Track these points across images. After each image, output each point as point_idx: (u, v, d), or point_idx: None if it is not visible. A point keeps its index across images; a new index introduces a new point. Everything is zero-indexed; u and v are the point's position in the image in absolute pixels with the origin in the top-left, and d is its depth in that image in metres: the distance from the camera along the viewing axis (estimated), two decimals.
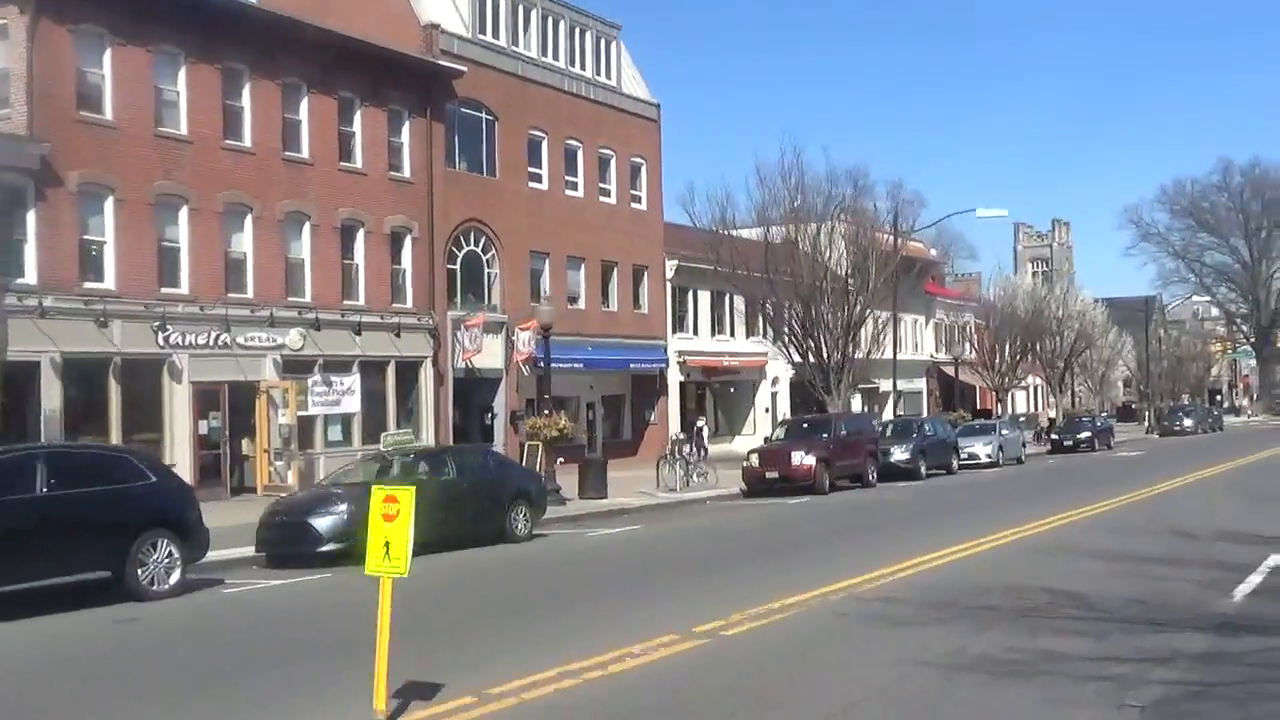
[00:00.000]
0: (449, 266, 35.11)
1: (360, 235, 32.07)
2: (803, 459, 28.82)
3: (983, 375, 56.13)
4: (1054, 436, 52.22)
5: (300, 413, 29.85)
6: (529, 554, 18.25)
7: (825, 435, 30.44)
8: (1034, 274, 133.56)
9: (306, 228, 30.51)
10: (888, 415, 63.61)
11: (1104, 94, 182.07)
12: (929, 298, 69.06)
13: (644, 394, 44.56)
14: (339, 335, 30.97)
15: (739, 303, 45.46)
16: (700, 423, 46.95)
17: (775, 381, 52.73)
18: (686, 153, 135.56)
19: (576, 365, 39.26)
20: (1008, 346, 54.95)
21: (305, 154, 30.55)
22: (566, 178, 40.29)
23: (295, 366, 29.87)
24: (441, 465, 19.09)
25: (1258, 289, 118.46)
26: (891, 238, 40.42)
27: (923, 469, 34.37)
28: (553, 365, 38.46)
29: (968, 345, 57.84)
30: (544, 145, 39.16)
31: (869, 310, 37.47)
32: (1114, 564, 13.75)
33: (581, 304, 40.89)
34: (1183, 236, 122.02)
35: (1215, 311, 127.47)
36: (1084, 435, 51.29)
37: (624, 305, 42.84)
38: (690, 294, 46.19)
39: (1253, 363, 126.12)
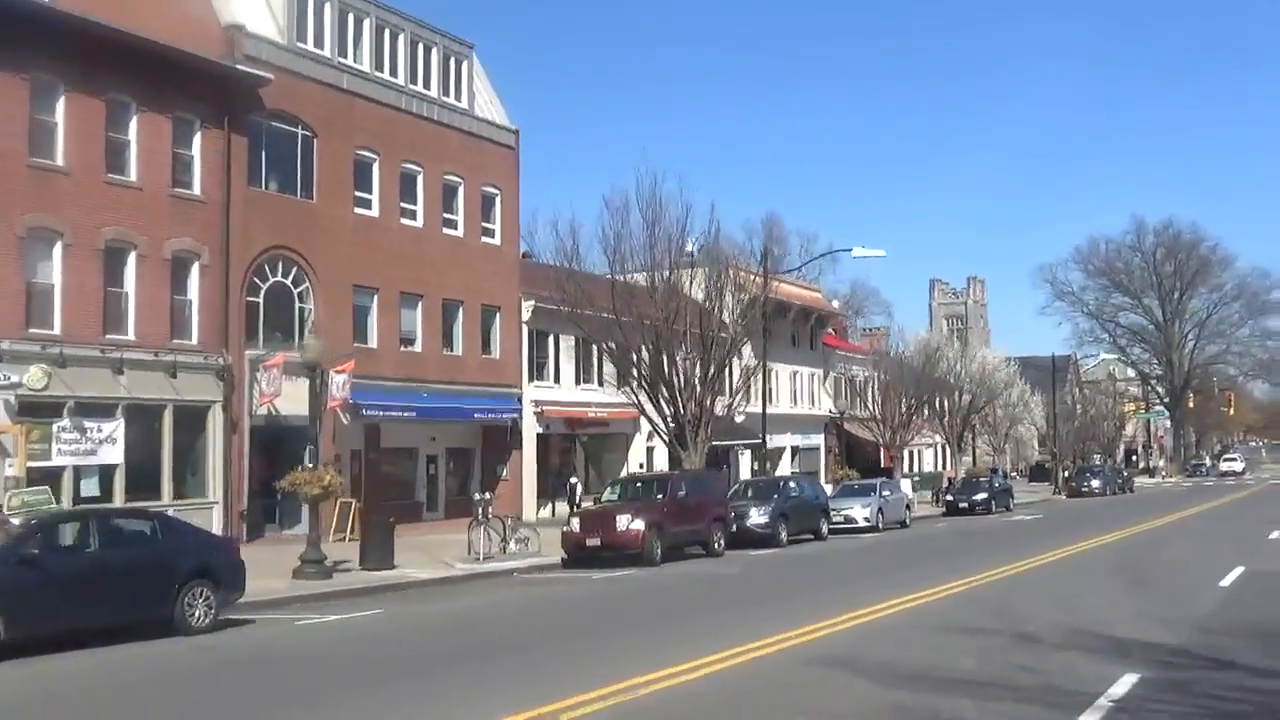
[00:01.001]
0: (249, 299, 30.75)
1: (131, 259, 27.67)
2: (629, 524, 24.78)
3: (873, 430, 52.52)
4: (948, 498, 48.69)
5: (42, 463, 25.26)
6: (192, 654, 13.91)
7: (661, 496, 26.43)
8: (951, 331, 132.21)
9: (58, 248, 26.06)
10: (784, 471, 60.29)
11: (1025, 152, 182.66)
12: (828, 350, 65.82)
13: (497, 447, 40.29)
14: (96, 374, 26.44)
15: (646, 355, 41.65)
16: (574, 479, 42.86)
17: (651, 435, 48.68)
18: (554, 187, 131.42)
19: (408, 414, 35.01)
20: (900, 401, 51.44)
21: (59, 161, 26.18)
22: (403, 205, 36.21)
23: (36, 409, 25.29)
24: (82, 534, 14.69)
25: (1171, 350, 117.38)
26: (758, 279, 36.71)
27: (783, 535, 30.47)
28: (383, 414, 34.58)
29: (857, 400, 54.26)
30: (375, 168, 35.08)
31: (729, 357, 33.66)
32: (894, 691, 9.80)
33: (418, 346, 36.66)
34: (1097, 296, 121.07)
35: (1131, 372, 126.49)
36: (980, 497, 47.87)
37: (471, 349, 38.68)
38: (551, 339, 42.09)
39: (1167, 423, 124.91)
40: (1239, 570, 20.13)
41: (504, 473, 40.27)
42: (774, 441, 58.97)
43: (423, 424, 36.34)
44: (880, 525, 36.66)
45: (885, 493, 38.20)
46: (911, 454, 79.29)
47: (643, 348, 32.33)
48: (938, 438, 63.62)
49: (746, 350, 57.41)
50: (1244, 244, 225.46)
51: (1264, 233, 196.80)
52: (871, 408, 52.11)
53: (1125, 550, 25.64)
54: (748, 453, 56.13)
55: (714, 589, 20.69)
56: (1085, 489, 67.15)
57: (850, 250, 36.39)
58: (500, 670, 11.76)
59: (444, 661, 12.61)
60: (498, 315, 39.76)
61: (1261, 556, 23.53)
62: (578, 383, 43.68)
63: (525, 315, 40.57)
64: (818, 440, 63.66)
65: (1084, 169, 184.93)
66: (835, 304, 74.53)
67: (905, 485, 63.22)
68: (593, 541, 24.80)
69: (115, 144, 27.42)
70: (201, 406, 29.08)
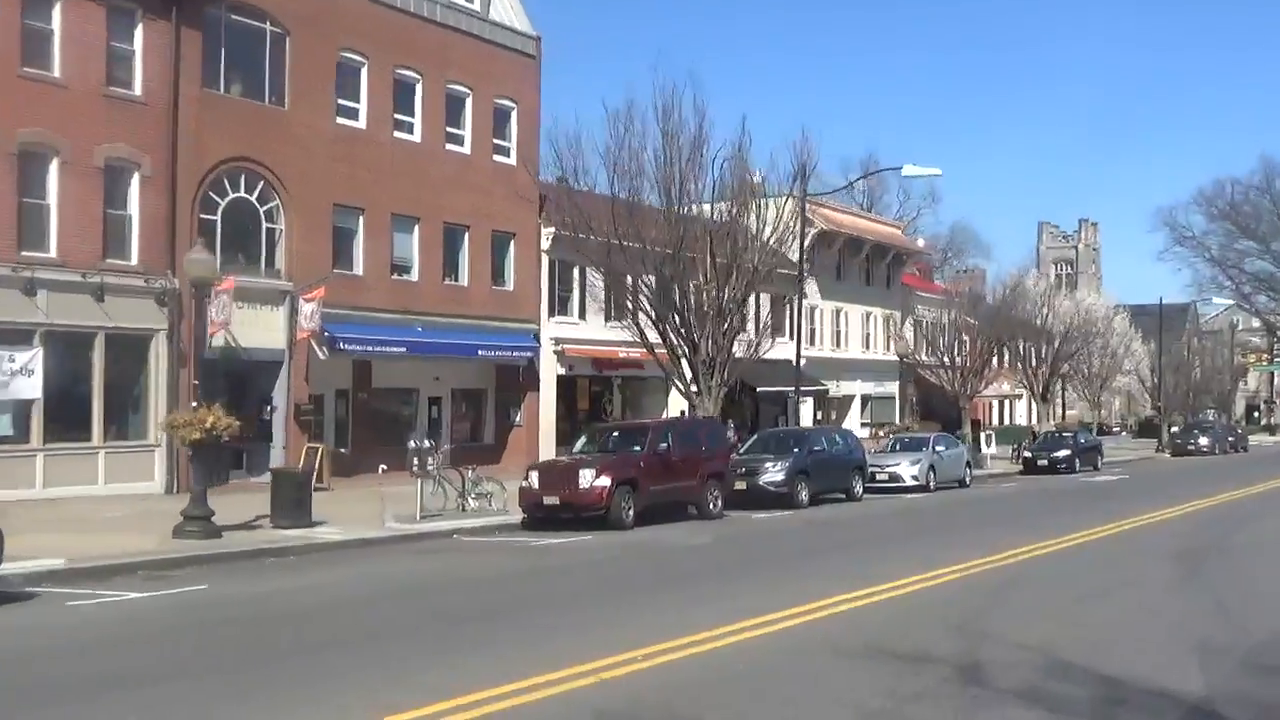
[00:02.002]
0: (204, 216, 27.38)
1: (53, 167, 24.44)
2: (593, 480, 20.87)
3: (941, 378, 47.55)
4: (1026, 454, 43.74)
5: None
6: None
7: (638, 448, 22.43)
8: (1056, 276, 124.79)
9: None
10: (853, 423, 55.63)
11: (1141, 90, 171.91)
12: (908, 291, 60.62)
13: (511, 389, 36.67)
14: (6, 296, 23.34)
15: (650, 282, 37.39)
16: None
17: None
18: (588, 103, 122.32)
19: (397, 350, 31.51)
20: (968, 344, 46.29)
21: None
22: (398, 117, 32.45)
23: None
24: None
25: None
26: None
27: (803, 495, 26.26)
28: (367, 350, 31.14)
29: (926, 345, 49.23)
30: (363, 73, 31.35)
31: (751, 290, 29.24)
32: None
33: (414, 275, 33.06)
34: (1221, 241, 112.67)
35: (1256, 322, 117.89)
36: (1061, 454, 42.84)
37: (478, 280, 34.95)
38: (576, 271, 37.98)
39: None
40: None
41: (518, 417, 36.66)
42: (842, 389, 54.56)
43: (420, 361, 32.82)
44: (932, 485, 32.11)
45: (939, 448, 33.56)
46: (1002, 405, 73.93)
47: (644, 276, 28.12)
48: (1021, 389, 58.14)
49: (811, 288, 53.34)
50: None
51: None
52: (939, 354, 47.02)
53: (1201, 526, 20.92)
54: (809, 401, 51.70)
55: (658, 565, 16.73)
56: (1192, 447, 61.27)
57: (900, 169, 31.57)
58: (229, 694, 8.04)
59: (170, 677, 8.93)
60: (511, 243, 35.92)
61: None
62: (607, 320, 39.60)
63: (545, 244, 36.66)
64: (892, 388, 58.81)
65: (1209, 104, 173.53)
66: (920, 242, 69.16)
67: (981, 439, 58.67)
68: (551, 500, 20.98)
69: (33, 33, 24.11)
70: (141, 335, 25.90)
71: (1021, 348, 52.22)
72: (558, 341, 37.33)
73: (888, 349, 57.75)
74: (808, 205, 51.29)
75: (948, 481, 33.71)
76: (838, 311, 54.13)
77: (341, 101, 30.79)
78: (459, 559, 17.31)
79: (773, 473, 26.03)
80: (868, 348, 56.51)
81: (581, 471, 20.95)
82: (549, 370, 37.28)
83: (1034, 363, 52.08)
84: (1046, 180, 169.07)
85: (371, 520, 21.15)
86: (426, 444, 21.84)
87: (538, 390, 36.77)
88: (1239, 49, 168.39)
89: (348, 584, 14.83)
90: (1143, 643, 9.93)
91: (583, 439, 24.55)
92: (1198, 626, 10.67)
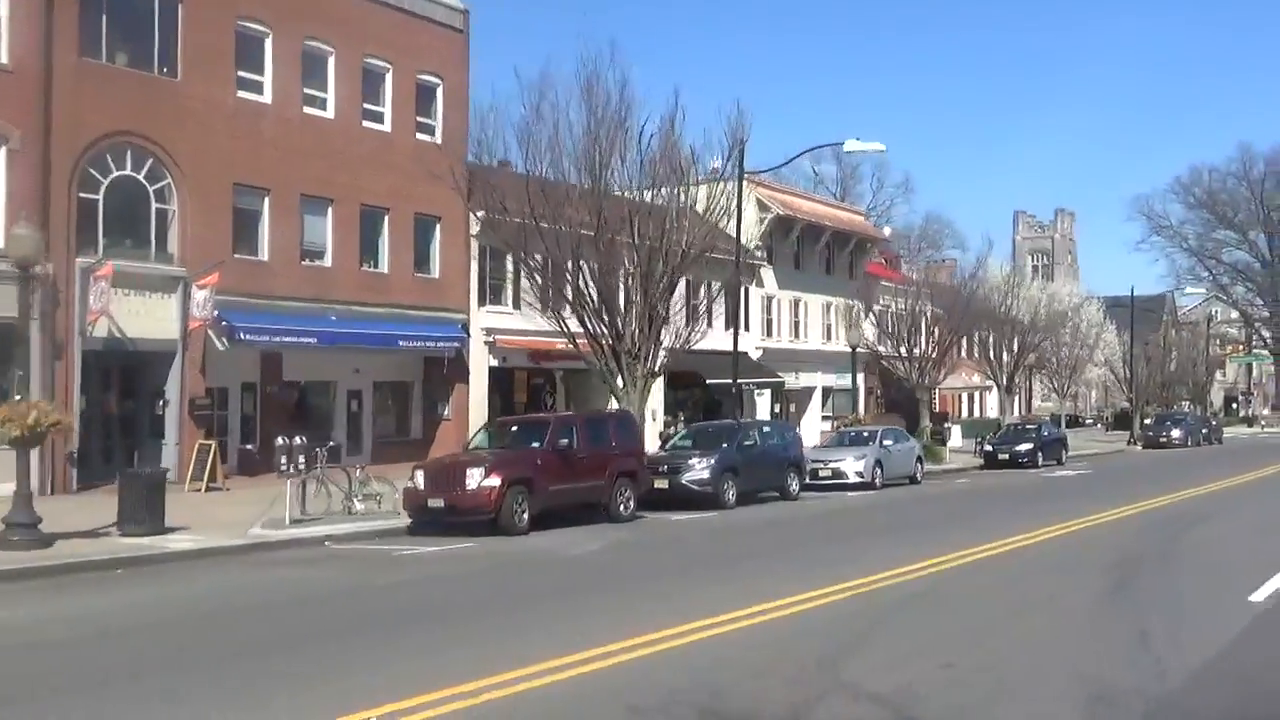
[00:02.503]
0: (84, 195, 25.30)
1: None
2: (481, 480, 18.90)
3: (898, 368, 45.65)
4: (987, 448, 41.95)
5: None
6: None
7: (538, 444, 20.47)
8: (1033, 266, 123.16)
9: None
10: (813, 416, 53.78)
11: (1120, 78, 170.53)
12: (872, 280, 58.67)
13: (439, 381, 34.67)
14: None
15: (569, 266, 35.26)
16: None
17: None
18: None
19: (307, 340, 29.47)
20: (924, 334, 44.38)
21: None
22: (308, 91, 30.37)
23: None
24: None
25: (1278, 290, 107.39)
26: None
27: (729, 494, 24.38)
28: (270, 340, 29.10)
29: (883, 333, 47.24)
30: (267, 44, 29.26)
31: (678, 275, 27.22)
32: None
33: (327, 260, 31.02)
34: (1198, 231, 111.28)
35: (1234, 313, 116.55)
36: (1023, 448, 41.03)
37: (400, 266, 32.92)
38: (510, 258, 35.82)
39: (1271, 368, 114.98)
40: None
41: (446, 411, 34.67)
42: (802, 381, 52.69)
43: (336, 352, 30.79)
44: (878, 481, 30.23)
45: (887, 443, 31.65)
46: (971, 398, 72.22)
47: (564, 260, 26.12)
48: (983, 379, 56.31)
49: (769, 277, 51.42)
50: None
51: None
52: (896, 344, 45.09)
53: (1148, 528, 19.06)
54: (766, 394, 49.84)
55: (521, 580, 14.74)
56: (1164, 439, 59.73)
57: (843, 144, 29.55)
58: None
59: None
60: (437, 227, 33.88)
61: None
62: (545, 309, 37.63)
63: (474, 228, 34.61)
64: (856, 380, 56.82)
65: (1187, 91, 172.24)
66: (887, 231, 67.31)
67: (955, 432, 56.79)
68: (435, 502, 19.02)
69: None
70: (3, 325, 23.77)
71: (985, 337, 50.34)
72: (489, 332, 35.31)
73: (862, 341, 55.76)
74: (760, 190, 49.90)
75: (897, 478, 31.88)
76: (796, 301, 52.26)
77: (243, 74, 28.70)
78: (304, 572, 15.32)
79: (697, 470, 24.11)
80: (829, 339, 54.61)
81: (469, 470, 18.98)
82: (480, 362, 35.28)
83: (998, 353, 50.09)
84: (1023, 170, 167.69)
85: (237, 526, 19.15)
86: (299, 441, 19.80)
87: (467, 383, 34.77)
88: (1218, 36, 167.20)
89: (149, 606, 12.84)
90: (1030, 690, 8.05)
91: (480, 434, 22.56)
92: (1107, 665, 8.79)
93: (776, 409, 51.51)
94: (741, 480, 24.86)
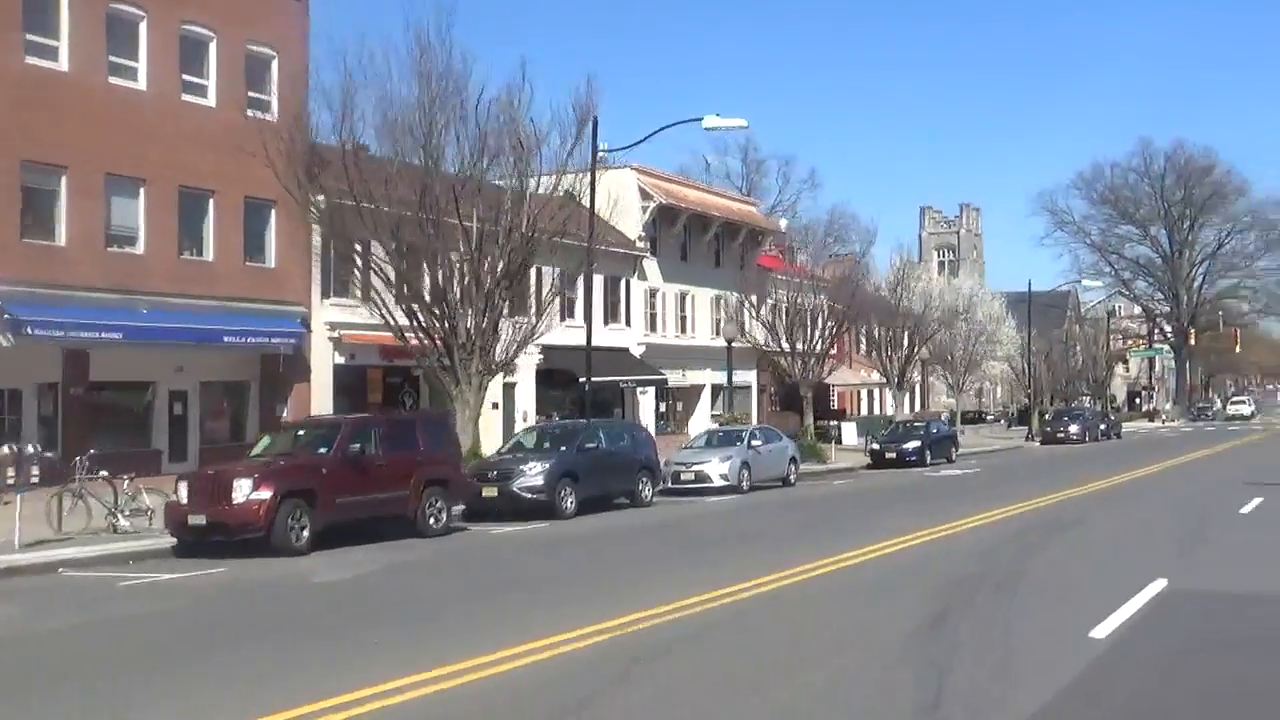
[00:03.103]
0: None
1: None
2: (250, 493, 16.31)
3: (780, 365, 43.68)
4: (873, 447, 40.15)
5: None
6: None
7: (326, 450, 17.89)
8: (939, 262, 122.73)
9: None
10: (702, 415, 51.69)
11: (1023, 70, 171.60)
12: (764, 273, 56.73)
13: (277, 381, 31.85)
14: None
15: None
16: None
17: (513, 369, 40.14)
18: None
19: (111, 335, 26.53)
20: (807, 328, 42.44)
21: None
22: (114, 59, 27.44)
23: None
24: None
25: (1178, 284, 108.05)
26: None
27: (568, 502, 22.03)
28: (68, 335, 26.10)
29: (764, 327, 45.25)
30: (62, 7, 26.27)
31: (522, 263, 24.80)
32: None
33: (138, 247, 28.10)
34: (1101, 226, 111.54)
35: (1138, 309, 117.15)
36: (910, 446, 39.28)
37: (228, 254, 30.08)
38: (359, 247, 33.06)
39: (1173, 363, 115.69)
40: (1154, 589, 11.71)
41: (284, 413, 31.83)
42: (689, 379, 50.52)
43: (153, 349, 27.91)
44: (745, 485, 28.09)
45: (756, 443, 29.50)
46: (870, 395, 70.76)
47: (387, 243, 23.63)
48: (876, 374, 54.67)
49: (653, 269, 49.19)
50: (1261, 170, 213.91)
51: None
52: (778, 338, 43.13)
53: (1006, 538, 17.03)
54: (650, 393, 47.61)
55: (233, 620, 12.18)
56: (1061, 435, 58.72)
57: (701, 120, 27.27)
58: None
59: None
60: (272, 213, 31.04)
61: (1209, 553, 15.05)
62: (400, 303, 35.00)
63: (314, 213, 31.79)
64: (748, 378, 54.83)
65: (1090, 86, 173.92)
66: (783, 224, 65.45)
67: (849, 429, 55.06)
68: (197, 519, 16.39)
69: None
70: None
71: (875, 331, 48.61)
72: (334, 326, 32.55)
73: (741, 335, 53.80)
74: (643, 177, 47.67)
75: (768, 480, 29.81)
76: (683, 295, 50.13)
77: (33, 38, 25.70)
78: None
79: (529, 476, 21.70)
80: (718, 334, 52.45)
81: (236, 482, 16.38)
82: (323, 359, 32.53)
83: (887, 347, 48.27)
84: (930, 165, 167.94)
85: None
86: (31, 449, 17.06)
87: (308, 382, 32.01)
88: (1118, 28, 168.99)
89: None
90: None
91: (264, 440, 19.86)
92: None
93: (662, 409, 49.37)
94: (584, 486, 22.52)
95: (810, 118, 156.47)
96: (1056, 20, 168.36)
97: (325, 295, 32.55)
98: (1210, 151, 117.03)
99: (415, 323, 24.34)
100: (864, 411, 68.31)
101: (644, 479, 24.58)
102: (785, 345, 42.32)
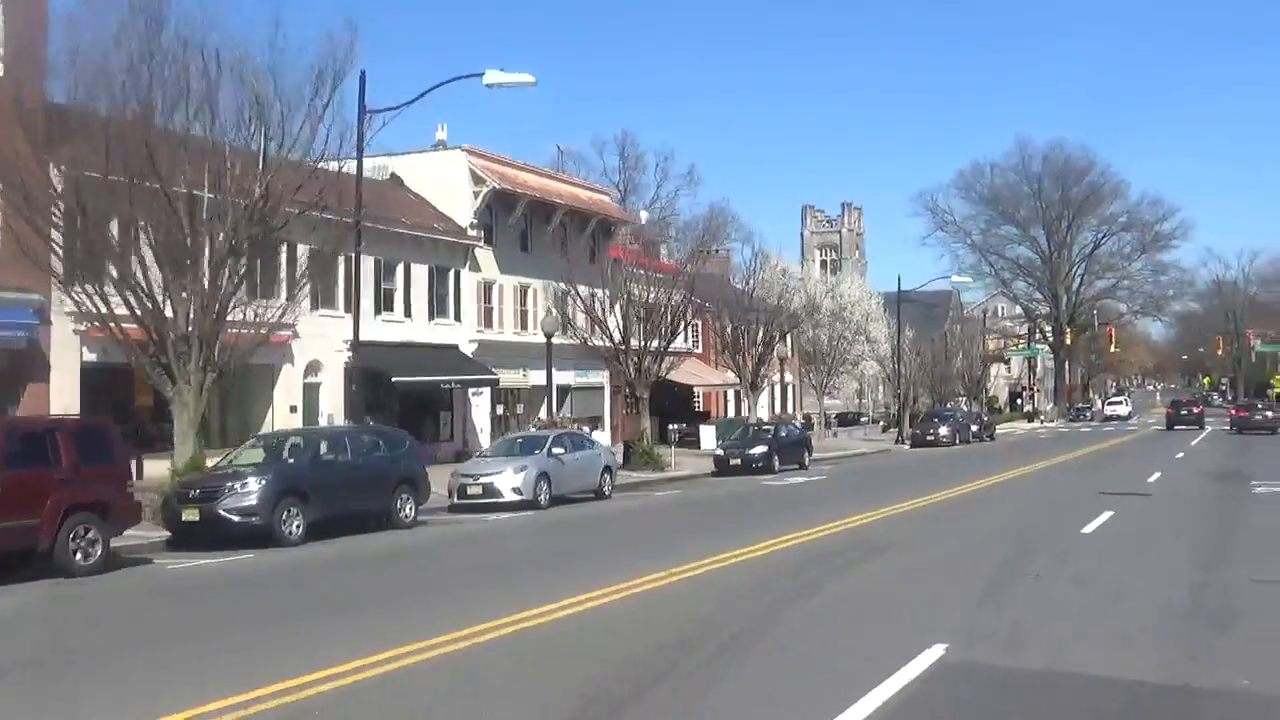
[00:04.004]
0: None
1: None
2: None
3: (613, 363, 40.16)
4: (718, 453, 36.83)
5: None
6: None
7: None
8: (821, 261, 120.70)
9: None
10: (540, 419, 47.93)
11: (906, 70, 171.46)
12: (618, 267, 53.04)
13: (8, 380, 27.26)
14: None
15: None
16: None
17: (317, 368, 35.99)
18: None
19: None
20: (646, 323, 38.94)
21: None
22: None
23: None
24: None
25: (1057, 284, 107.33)
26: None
27: (295, 526, 18.08)
28: None
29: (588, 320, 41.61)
30: None
31: (257, 234, 20.79)
32: None
33: None
34: (982, 227, 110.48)
35: (1020, 310, 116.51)
36: (757, 452, 36.01)
37: None
38: (115, 225, 28.61)
39: (1052, 364, 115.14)
40: (923, 663, 8.30)
41: (16, 413, 27.24)
42: (531, 379, 46.68)
43: None
44: (544, 499, 24.34)
45: (558, 450, 25.71)
46: (738, 396, 67.60)
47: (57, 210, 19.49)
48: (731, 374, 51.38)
49: (488, 260, 45.27)
50: (1137, 170, 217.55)
51: (1156, 156, 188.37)
52: (604, 334, 39.57)
53: (806, 565, 13.61)
54: (485, 394, 43.70)
55: None
56: (930, 437, 56.33)
57: (482, 75, 23.34)
58: None
59: None
60: None
61: (1017, 600, 11.63)
62: (167, 290, 30.58)
63: (58, 185, 27.26)
64: (600, 378, 51.15)
65: (969, 85, 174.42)
66: (643, 215, 61.87)
67: (707, 433, 51.66)
68: None
69: None
70: None
71: (726, 328, 45.31)
72: (80, 318, 28.02)
73: (591, 333, 50.13)
74: (475, 159, 43.74)
75: (578, 492, 26.17)
76: (523, 288, 46.29)
77: None
78: None
79: (239, 495, 17.69)
80: (566, 331, 48.74)
81: None
82: (67, 356, 28.02)
83: (737, 345, 44.79)
84: (813, 164, 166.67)
85: None
86: None
87: (47, 382, 27.48)
88: (999, 26, 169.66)
89: None
90: None
91: None
92: None
93: (500, 412, 45.49)
94: (317, 506, 18.57)
95: (691, 115, 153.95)
96: (935, 18, 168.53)
97: (71, 282, 27.98)
98: (1088, 151, 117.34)
99: (130, 311, 20.20)
100: (733, 414, 65.20)
101: (404, 495, 20.66)
102: (613, 339, 38.64)
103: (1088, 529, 17.38)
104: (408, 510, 20.71)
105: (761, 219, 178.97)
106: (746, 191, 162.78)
